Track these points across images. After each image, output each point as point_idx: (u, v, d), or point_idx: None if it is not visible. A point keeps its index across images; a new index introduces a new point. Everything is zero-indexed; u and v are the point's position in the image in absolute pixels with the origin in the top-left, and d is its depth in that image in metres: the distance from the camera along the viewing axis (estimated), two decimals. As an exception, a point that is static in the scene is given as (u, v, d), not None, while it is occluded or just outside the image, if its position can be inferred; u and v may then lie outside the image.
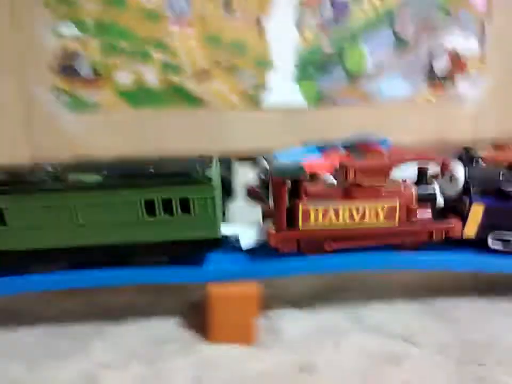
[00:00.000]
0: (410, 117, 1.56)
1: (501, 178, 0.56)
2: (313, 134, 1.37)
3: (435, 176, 0.60)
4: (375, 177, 0.53)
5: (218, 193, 0.53)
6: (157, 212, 0.50)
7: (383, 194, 0.54)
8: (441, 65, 1.53)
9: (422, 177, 0.58)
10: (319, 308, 0.62)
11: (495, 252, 0.58)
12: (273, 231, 0.53)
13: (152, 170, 0.50)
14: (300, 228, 0.53)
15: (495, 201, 0.56)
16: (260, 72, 1.36)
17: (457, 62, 1.54)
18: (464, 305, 0.62)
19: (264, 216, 0.58)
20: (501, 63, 1.58)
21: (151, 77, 1.23)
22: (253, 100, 1.37)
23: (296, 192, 0.53)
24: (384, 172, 0.54)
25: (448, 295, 0.65)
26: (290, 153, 0.93)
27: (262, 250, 0.56)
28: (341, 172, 0.55)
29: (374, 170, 0.53)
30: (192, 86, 1.28)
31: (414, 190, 0.56)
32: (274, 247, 0.54)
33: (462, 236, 0.57)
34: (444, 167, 0.58)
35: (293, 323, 0.58)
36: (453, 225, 0.56)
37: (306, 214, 0.52)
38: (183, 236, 0.51)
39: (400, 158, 0.55)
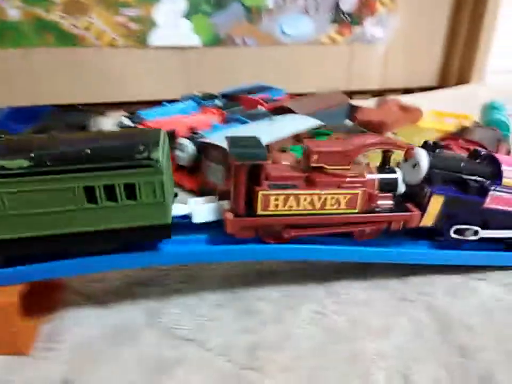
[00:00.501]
0: (315, 60, 1.52)
1: (461, 169, 0.56)
2: (207, 77, 1.32)
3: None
4: (339, 163, 0.52)
5: (168, 174, 0.47)
6: (99, 200, 0.44)
7: (347, 181, 0.51)
8: (349, 4, 1.47)
9: (386, 161, 0.56)
10: (115, 306, 0.55)
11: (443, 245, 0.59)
12: (231, 217, 0.49)
13: (88, 151, 0.43)
14: (259, 214, 0.50)
15: (455, 192, 0.56)
16: (145, 5, 1.18)
17: (366, 1, 1.49)
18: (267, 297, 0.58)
19: (220, 196, 0.54)
20: (411, 3, 1.55)
21: (13, 11, 1.02)
22: (138, 37, 1.19)
23: (255, 176, 0.49)
24: (349, 157, 0.52)
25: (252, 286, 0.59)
26: (160, 110, 0.87)
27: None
28: (304, 155, 0.53)
29: (339, 155, 0.51)
30: (63, 21, 1.07)
31: (376, 176, 0.54)
32: (231, 234, 0.51)
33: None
34: (408, 154, 0.57)
35: (82, 325, 0.53)
36: (413, 215, 0.54)
37: (266, 201, 0.49)
38: (130, 224, 0.46)
39: (366, 143, 0.53)
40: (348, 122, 0.90)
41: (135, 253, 0.49)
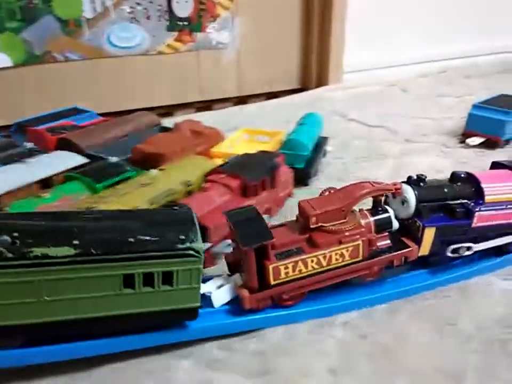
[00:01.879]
0: (154, 72, 1.40)
1: (446, 196, 0.61)
2: (25, 100, 1.21)
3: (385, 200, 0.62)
4: (336, 219, 0.54)
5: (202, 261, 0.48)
6: (136, 286, 0.45)
7: (347, 234, 0.54)
8: (185, 9, 1.37)
9: (377, 204, 0.59)
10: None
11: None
12: (247, 294, 0.52)
13: (132, 240, 0.44)
14: (272, 285, 0.53)
15: (444, 221, 0.61)
16: None
17: (205, 4, 1.40)
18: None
19: (229, 267, 0.57)
20: (257, 6, 1.50)
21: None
22: None
23: (263, 252, 0.51)
24: (345, 211, 0.55)
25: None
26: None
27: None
28: (302, 218, 0.56)
29: (335, 212, 0.54)
30: None
31: (371, 220, 0.57)
32: (250, 309, 0.53)
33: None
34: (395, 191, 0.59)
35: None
36: (412, 250, 0.59)
37: (277, 272, 0.52)
38: (163, 308, 0.47)
39: (360, 196, 0.56)
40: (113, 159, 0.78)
41: (163, 331, 0.50)
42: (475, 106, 1.13)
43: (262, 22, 1.54)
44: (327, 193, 0.59)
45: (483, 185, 0.62)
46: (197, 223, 0.49)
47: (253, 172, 0.72)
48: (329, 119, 1.38)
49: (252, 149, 0.90)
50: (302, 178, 0.91)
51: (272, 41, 1.59)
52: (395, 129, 1.27)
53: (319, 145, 1.03)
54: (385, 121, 1.34)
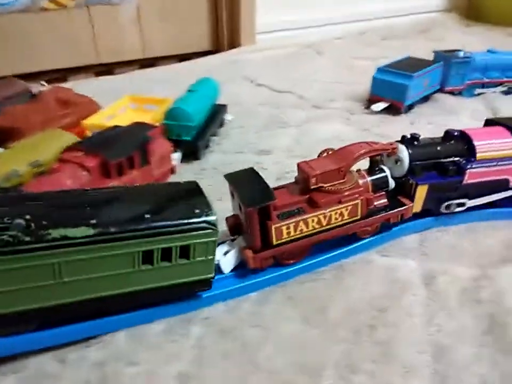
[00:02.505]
0: (40, 31, 1.25)
1: (439, 154, 0.63)
2: None
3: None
4: (335, 179, 0.55)
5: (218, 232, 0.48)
6: (155, 261, 0.45)
7: (346, 194, 0.55)
8: None
9: (374, 164, 0.60)
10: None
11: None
12: (251, 254, 0.53)
13: (148, 216, 0.44)
14: (275, 244, 0.54)
15: (436, 178, 0.62)
16: None
17: None
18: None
19: (231, 229, 0.57)
20: None
21: None
22: None
23: (266, 213, 0.52)
24: (343, 172, 0.56)
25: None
26: None
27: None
28: (301, 179, 0.56)
29: (334, 172, 0.55)
30: None
31: (369, 180, 0.59)
32: (254, 268, 0.54)
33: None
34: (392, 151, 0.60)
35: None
36: (408, 208, 0.61)
37: (279, 232, 0.53)
38: (180, 281, 0.48)
39: (357, 156, 0.56)
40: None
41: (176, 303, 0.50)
42: (379, 70, 1.10)
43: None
44: (325, 154, 0.59)
45: (475, 142, 0.63)
46: (205, 194, 0.49)
47: (116, 148, 0.63)
48: (238, 84, 1.30)
49: (136, 119, 0.81)
50: (190, 151, 0.83)
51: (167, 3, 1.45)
52: (303, 94, 1.21)
53: (214, 114, 0.94)
54: (295, 86, 1.28)
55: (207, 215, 0.46)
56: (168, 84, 1.27)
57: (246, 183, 0.54)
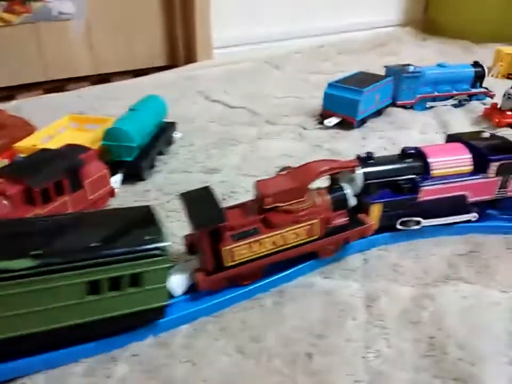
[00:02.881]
0: None
1: (394, 173, 0.63)
2: None
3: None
4: (293, 198, 0.54)
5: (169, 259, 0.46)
6: (103, 291, 0.43)
7: (302, 214, 0.54)
8: None
9: (334, 182, 0.59)
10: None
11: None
12: (202, 276, 0.51)
13: (96, 244, 0.42)
14: (228, 266, 0.52)
15: (390, 196, 0.63)
16: None
17: None
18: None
19: (190, 249, 0.55)
20: None
21: None
22: None
23: (218, 235, 0.51)
24: (302, 190, 0.55)
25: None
26: None
27: None
28: (258, 198, 0.55)
29: (292, 191, 0.54)
30: None
31: (328, 198, 0.57)
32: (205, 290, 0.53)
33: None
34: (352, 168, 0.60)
35: None
36: (368, 227, 0.60)
37: (232, 254, 0.52)
38: (131, 310, 0.46)
39: (317, 174, 0.56)
40: None
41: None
42: (330, 85, 1.10)
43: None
44: (284, 172, 0.58)
45: (429, 159, 0.64)
46: (159, 220, 0.48)
47: (42, 173, 0.59)
48: (191, 100, 1.28)
49: (76, 140, 0.77)
50: (133, 172, 0.80)
51: (129, 11, 1.42)
52: (257, 110, 1.20)
53: (161, 132, 0.92)
54: (249, 101, 1.27)
55: (158, 242, 0.45)
56: (120, 101, 1.24)
57: (199, 203, 0.53)
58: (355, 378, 0.46)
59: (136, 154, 0.80)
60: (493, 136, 0.70)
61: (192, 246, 0.55)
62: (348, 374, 0.46)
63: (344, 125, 1.08)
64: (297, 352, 0.48)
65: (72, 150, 0.67)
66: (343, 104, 1.06)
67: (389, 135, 1.05)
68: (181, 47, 1.55)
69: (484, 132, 0.70)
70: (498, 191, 0.67)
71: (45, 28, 1.29)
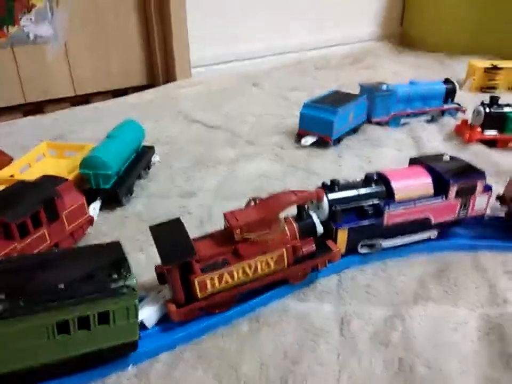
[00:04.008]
0: None
1: (358, 198, 0.66)
2: None
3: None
4: (261, 229, 0.56)
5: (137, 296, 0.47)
6: (71, 330, 0.44)
7: (270, 244, 0.56)
8: None
9: (301, 210, 0.62)
10: None
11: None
12: (174, 308, 0.53)
13: (62, 286, 0.43)
14: (199, 297, 0.54)
15: (355, 221, 0.65)
16: None
17: None
18: None
19: (161, 279, 0.57)
20: None
21: None
22: None
23: (188, 268, 0.52)
24: (269, 221, 0.57)
25: None
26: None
27: None
28: (227, 229, 0.57)
29: (259, 222, 0.56)
30: None
31: (296, 227, 0.60)
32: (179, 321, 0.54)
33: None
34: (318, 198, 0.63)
35: None
36: (336, 253, 0.62)
37: (203, 285, 0.53)
38: (100, 347, 0.47)
39: (285, 205, 0.58)
40: None
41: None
42: (305, 105, 1.12)
43: (91, 10, 1.38)
44: (252, 203, 0.60)
45: (393, 184, 0.66)
46: (126, 257, 0.49)
47: (18, 206, 0.60)
48: (170, 121, 1.30)
49: (55, 169, 0.78)
50: (111, 199, 0.81)
51: (107, 31, 1.43)
52: (236, 130, 1.22)
53: (139, 157, 0.93)
54: (228, 121, 1.29)
55: (125, 279, 0.46)
56: (100, 124, 1.25)
57: (168, 236, 0.54)
58: (328, 402, 0.47)
59: (114, 181, 0.81)
60: (452, 159, 0.73)
61: (162, 276, 0.57)
62: (321, 399, 0.48)
63: (321, 143, 1.11)
64: (273, 378, 0.50)
65: (49, 181, 0.68)
66: (319, 124, 1.09)
67: (364, 153, 1.08)
68: (159, 66, 1.57)
69: (444, 154, 0.73)
70: (460, 212, 0.70)
71: (22, 51, 1.29)
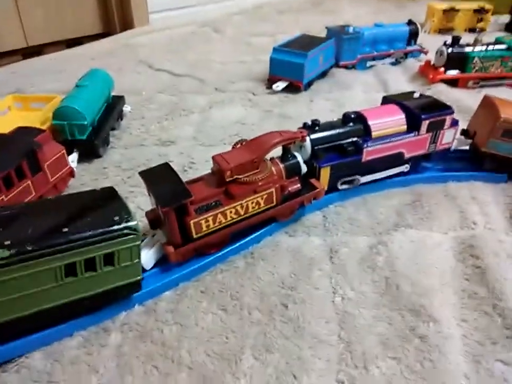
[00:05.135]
0: None
1: (338, 137, 0.68)
2: None
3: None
4: (250, 170, 0.58)
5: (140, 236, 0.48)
6: (79, 273, 0.45)
7: (260, 184, 0.58)
8: None
9: (286, 151, 0.63)
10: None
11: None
12: (172, 250, 0.54)
13: (66, 229, 0.43)
14: (195, 238, 0.55)
15: (337, 159, 0.67)
16: None
17: None
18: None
19: (152, 224, 0.58)
20: None
21: None
22: None
23: (183, 210, 0.53)
24: (257, 162, 0.58)
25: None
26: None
27: None
28: (217, 172, 0.58)
29: (248, 164, 0.57)
30: None
31: (282, 167, 0.62)
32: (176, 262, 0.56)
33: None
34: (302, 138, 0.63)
35: None
36: (320, 191, 0.65)
37: (198, 226, 0.55)
38: (108, 287, 0.48)
39: (271, 145, 0.59)
40: None
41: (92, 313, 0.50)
42: (275, 50, 1.12)
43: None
44: (239, 145, 0.61)
45: (369, 122, 0.69)
46: (123, 199, 0.49)
47: (1, 159, 0.58)
48: (135, 70, 1.25)
49: (23, 121, 0.75)
50: (88, 150, 0.79)
51: None
52: (203, 78, 1.20)
53: (111, 107, 0.90)
54: (194, 69, 1.26)
55: (127, 221, 0.46)
56: (59, 74, 1.19)
57: (161, 181, 0.54)
58: (326, 320, 0.52)
59: (89, 132, 0.79)
60: (422, 96, 0.76)
61: (154, 221, 0.58)
62: (319, 317, 0.52)
63: (292, 88, 1.12)
64: (274, 304, 0.54)
65: (26, 133, 0.65)
66: (289, 69, 1.09)
67: (334, 97, 1.10)
68: (115, 13, 1.48)
69: (414, 92, 0.77)
70: (430, 146, 0.74)
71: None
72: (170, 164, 0.58)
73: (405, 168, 0.75)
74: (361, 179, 0.71)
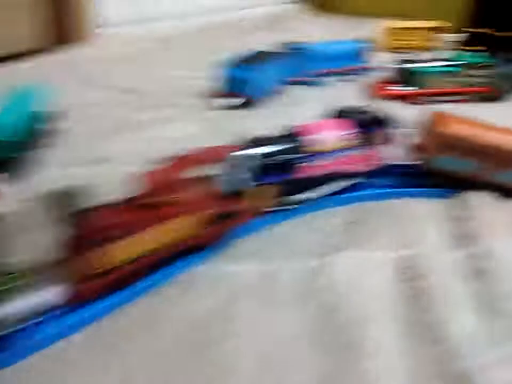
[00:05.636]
0: None
1: (275, 153, 0.64)
2: None
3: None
4: (174, 192, 0.52)
5: None
6: None
7: (183, 207, 0.53)
8: None
9: (217, 169, 0.59)
10: None
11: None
12: (80, 286, 0.47)
13: None
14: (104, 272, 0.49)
15: (275, 177, 0.64)
16: None
17: None
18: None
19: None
20: None
21: None
22: None
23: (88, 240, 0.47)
24: (182, 184, 0.53)
25: None
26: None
27: None
28: (138, 193, 0.52)
29: (172, 186, 0.52)
30: None
31: (211, 187, 0.57)
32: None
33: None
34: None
35: None
36: (253, 212, 0.62)
37: (106, 257, 0.48)
38: None
39: (186, 164, 0.54)
40: None
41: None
42: (228, 66, 1.09)
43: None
44: (168, 162, 0.56)
45: (306, 138, 0.66)
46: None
47: None
48: (75, 86, 1.19)
49: None
50: (12, 168, 0.73)
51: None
52: (149, 93, 1.16)
53: (38, 124, 0.84)
54: (140, 84, 1.21)
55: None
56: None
57: (64, 209, 0.48)
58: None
59: (8, 149, 0.72)
60: (368, 111, 0.74)
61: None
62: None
63: (244, 104, 1.09)
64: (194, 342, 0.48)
65: None
66: (241, 84, 1.06)
67: (286, 112, 1.08)
68: (62, 28, 1.43)
69: (360, 107, 0.75)
70: (374, 162, 0.72)
71: None
72: (106, 182, 0.53)
73: (347, 185, 0.72)
74: (301, 197, 0.68)
